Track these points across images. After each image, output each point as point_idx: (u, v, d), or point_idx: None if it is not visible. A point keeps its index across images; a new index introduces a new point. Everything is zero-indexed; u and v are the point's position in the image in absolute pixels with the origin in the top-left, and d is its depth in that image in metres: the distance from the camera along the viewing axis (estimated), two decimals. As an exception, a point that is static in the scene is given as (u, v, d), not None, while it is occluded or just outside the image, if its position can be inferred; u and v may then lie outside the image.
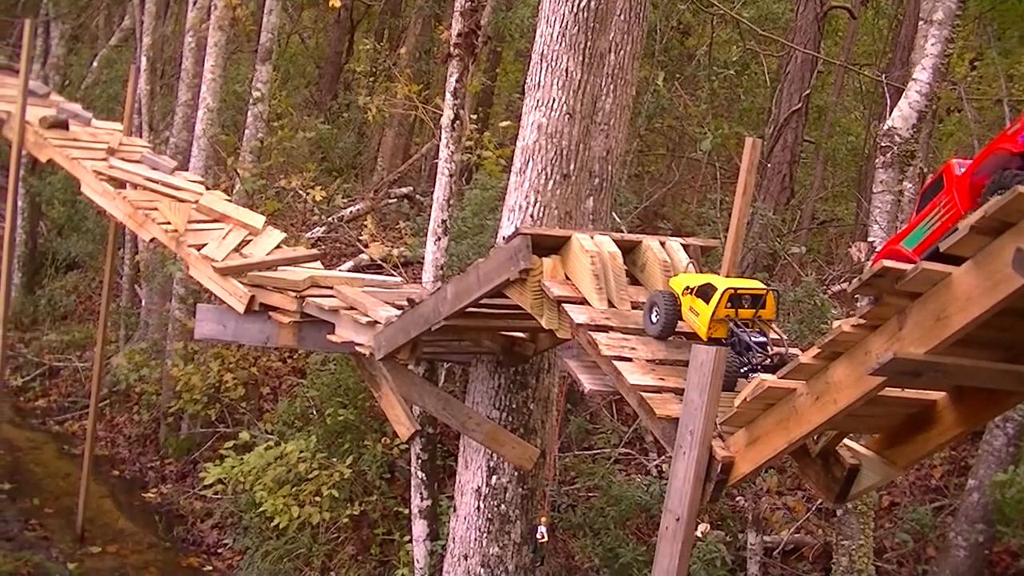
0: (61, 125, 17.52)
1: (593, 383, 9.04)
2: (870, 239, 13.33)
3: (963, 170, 6.87)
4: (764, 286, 8.66)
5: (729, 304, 8.41)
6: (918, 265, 6.07)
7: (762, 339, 8.35)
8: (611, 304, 9.10)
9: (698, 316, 8.52)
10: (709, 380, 7.53)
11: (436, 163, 15.40)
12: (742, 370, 8.23)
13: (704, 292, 8.51)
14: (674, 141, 28.29)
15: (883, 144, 13.39)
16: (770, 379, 7.23)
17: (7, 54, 24.65)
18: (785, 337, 8.58)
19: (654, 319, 8.86)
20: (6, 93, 18.26)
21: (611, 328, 8.76)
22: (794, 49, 22.26)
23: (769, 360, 8.15)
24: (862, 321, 6.61)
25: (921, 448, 7.84)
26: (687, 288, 8.70)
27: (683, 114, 25.16)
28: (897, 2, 27.38)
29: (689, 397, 7.68)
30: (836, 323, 6.83)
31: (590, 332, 8.64)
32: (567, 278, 9.33)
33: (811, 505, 16.37)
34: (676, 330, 8.82)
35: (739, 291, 8.44)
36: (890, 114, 13.82)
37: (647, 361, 8.43)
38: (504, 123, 21.37)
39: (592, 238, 9.37)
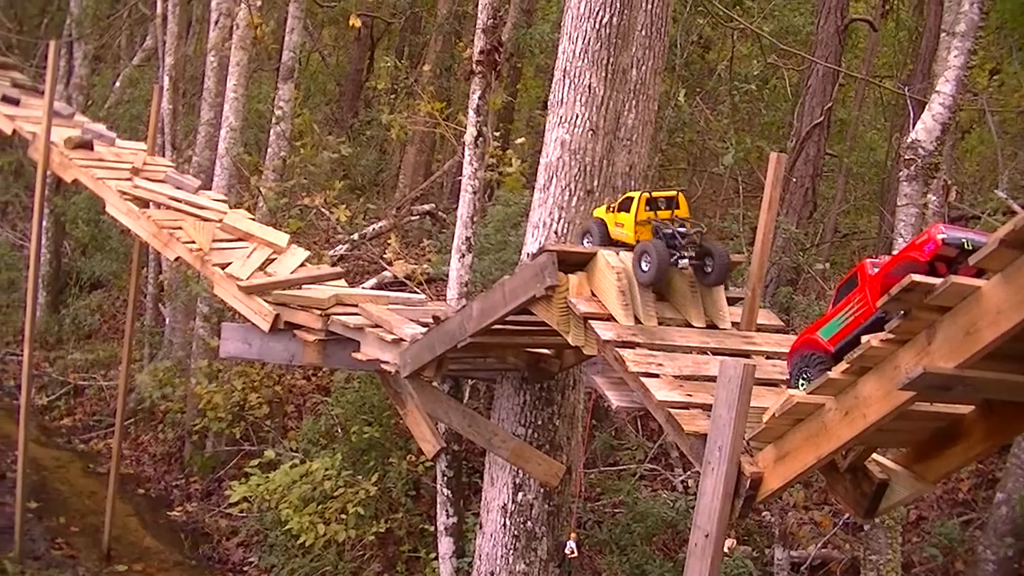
0: (86, 145, 17.55)
1: (620, 399, 9.02)
2: (895, 252, 13.24)
3: (876, 271, 7.16)
4: (674, 190, 9.84)
5: (648, 207, 9.53)
6: (948, 278, 6.04)
7: (682, 230, 9.36)
8: (637, 320, 9.06)
9: (623, 226, 9.65)
10: (737, 396, 7.45)
11: (458, 180, 15.42)
12: (672, 259, 9.13)
13: (624, 205, 9.71)
14: (695, 156, 28.24)
15: (907, 157, 13.34)
16: (799, 394, 7.19)
17: (31, 75, 24.69)
18: (702, 228, 9.58)
19: (586, 242, 9.99)
20: (31, 114, 18.35)
21: (638, 344, 8.69)
22: (815, 62, 22.20)
23: (695, 248, 9.31)
24: (891, 336, 6.51)
25: (950, 462, 7.78)
26: (609, 208, 9.91)
27: (704, 129, 25.11)
28: (917, 14, 27.33)
29: (717, 413, 7.62)
30: (865, 338, 6.76)
31: (617, 349, 8.57)
32: (593, 295, 9.29)
33: (838, 520, 16.31)
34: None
35: (653, 195, 9.63)
36: (913, 127, 13.78)
37: (674, 377, 8.35)
38: (520, 140, 21.36)
39: (618, 254, 9.34)
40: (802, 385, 7.55)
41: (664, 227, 9.43)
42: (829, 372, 7.05)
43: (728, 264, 9.31)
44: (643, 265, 9.14)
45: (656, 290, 9.43)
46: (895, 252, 7.95)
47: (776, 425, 7.41)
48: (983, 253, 5.83)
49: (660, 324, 9.17)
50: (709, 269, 9.33)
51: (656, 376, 8.31)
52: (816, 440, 7.19)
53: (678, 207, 9.65)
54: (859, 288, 7.31)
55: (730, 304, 9.59)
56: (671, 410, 8.03)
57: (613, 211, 9.88)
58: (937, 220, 13.48)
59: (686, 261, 9.31)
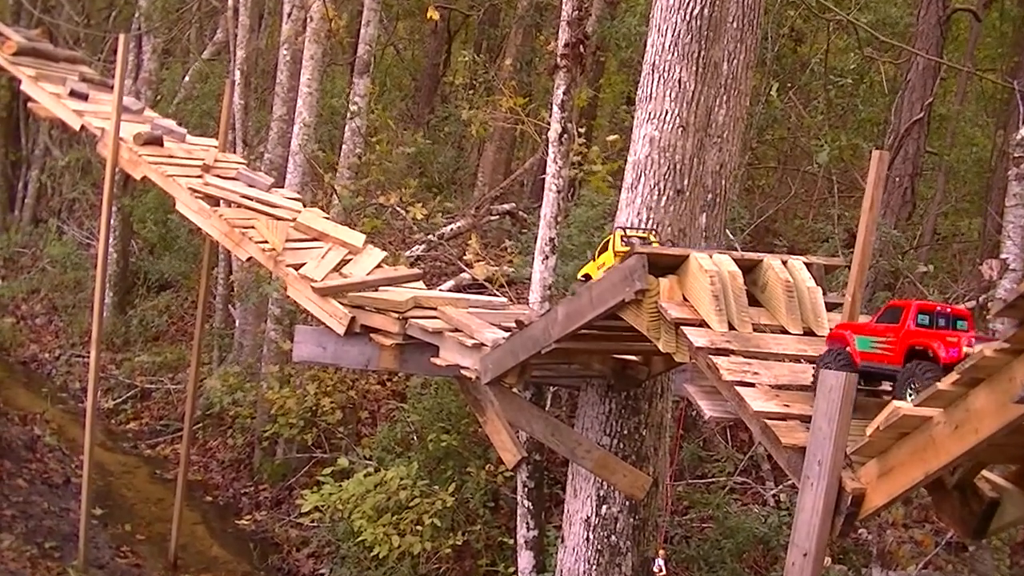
0: (156, 141, 17.47)
1: (713, 409, 8.77)
2: (1003, 255, 12.82)
3: (918, 324, 7.43)
4: (648, 232, 10.85)
5: (624, 243, 10.50)
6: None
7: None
8: (732, 326, 8.80)
9: (606, 264, 10.55)
10: (839, 407, 7.32)
11: (539, 179, 15.03)
12: None
13: (603, 248, 10.92)
14: (785, 153, 27.69)
15: (1016, 155, 12.96)
16: (905, 407, 6.92)
17: (100, 70, 24.55)
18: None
19: None
20: (100, 109, 18.19)
21: (732, 352, 8.51)
22: (916, 55, 21.50)
23: None
24: (1006, 345, 6.23)
25: (1066, 481, 7.53)
26: (593, 262, 11.11)
27: (796, 125, 24.59)
28: (1023, 3, 26.50)
29: (817, 425, 7.46)
30: (977, 347, 6.51)
31: (710, 356, 8.39)
32: (685, 299, 9.06)
33: (940, 539, 15.79)
34: None
35: (627, 234, 10.74)
36: (1022, 122, 13.22)
37: (771, 386, 8.19)
38: (611, 136, 20.88)
39: (711, 257, 9.09)
40: None
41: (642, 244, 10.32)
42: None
43: None
44: None
45: (751, 294, 9.14)
46: (875, 316, 7.72)
47: (880, 438, 7.21)
48: None
49: (755, 330, 8.94)
50: None
51: (752, 385, 8.19)
52: (923, 455, 7.00)
53: (650, 244, 10.52)
54: (898, 327, 7.52)
55: (829, 310, 9.28)
56: (767, 421, 7.84)
57: (595, 260, 10.93)
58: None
59: None
